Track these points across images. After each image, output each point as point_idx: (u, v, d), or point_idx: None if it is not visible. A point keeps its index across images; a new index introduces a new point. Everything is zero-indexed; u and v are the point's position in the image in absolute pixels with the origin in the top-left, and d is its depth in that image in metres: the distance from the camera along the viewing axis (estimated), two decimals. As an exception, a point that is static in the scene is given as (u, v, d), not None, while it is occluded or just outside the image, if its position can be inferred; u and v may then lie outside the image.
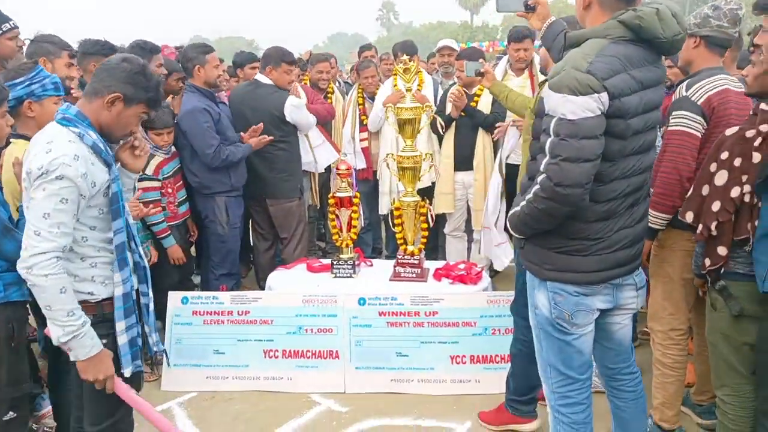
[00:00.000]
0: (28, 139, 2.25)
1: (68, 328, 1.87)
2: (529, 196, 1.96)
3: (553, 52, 2.43)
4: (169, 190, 3.76)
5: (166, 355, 2.30)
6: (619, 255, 2.02)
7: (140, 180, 3.56)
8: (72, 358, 1.94)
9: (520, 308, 2.81)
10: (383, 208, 4.87)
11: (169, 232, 3.70)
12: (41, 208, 1.83)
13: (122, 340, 2.04)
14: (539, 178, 1.91)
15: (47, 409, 3.02)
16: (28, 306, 2.46)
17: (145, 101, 2.03)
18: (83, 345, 1.90)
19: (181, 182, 3.87)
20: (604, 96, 1.80)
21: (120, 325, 2.03)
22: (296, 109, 4.20)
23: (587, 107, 1.79)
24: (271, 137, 4.08)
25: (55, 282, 1.83)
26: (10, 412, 2.26)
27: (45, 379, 3.01)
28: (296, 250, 4.33)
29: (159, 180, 3.67)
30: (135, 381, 2.12)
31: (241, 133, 4.04)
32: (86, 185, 1.90)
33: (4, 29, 3.43)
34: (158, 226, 3.63)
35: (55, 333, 1.88)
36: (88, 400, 2.07)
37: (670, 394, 2.72)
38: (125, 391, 2.02)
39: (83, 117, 1.96)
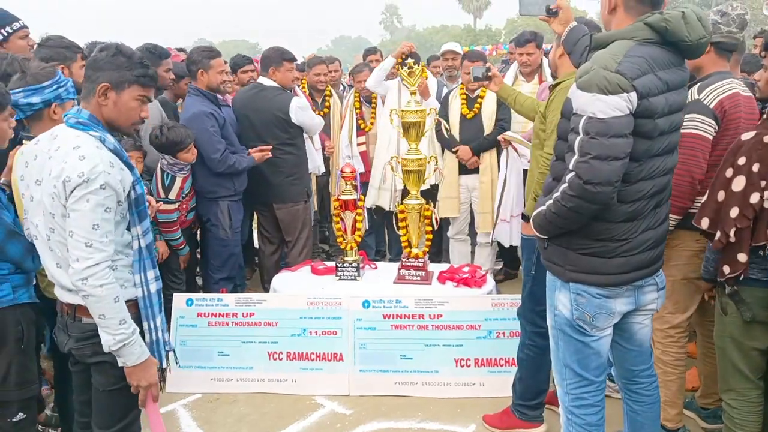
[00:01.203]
0: None
1: (119, 336, 1.89)
2: (557, 194, 1.96)
3: (573, 56, 2.43)
4: (184, 206, 3.78)
5: (174, 354, 2.30)
6: (643, 257, 2.03)
7: (161, 201, 3.59)
8: (120, 364, 1.96)
9: (527, 313, 2.81)
10: (369, 200, 4.81)
11: (185, 244, 3.80)
12: (89, 219, 1.84)
13: (160, 334, 2.08)
14: (568, 177, 1.92)
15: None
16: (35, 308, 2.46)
17: (135, 81, 1.97)
18: (132, 352, 1.93)
19: (193, 190, 3.88)
20: (633, 96, 1.82)
21: (158, 321, 2.06)
22: (302, 110, 4.19)
23: (617, 106, 1.81)
24: (269, 154, 4.07)
25: (110, 291, 1.86)
26: (20, 413, 2.27)
27: (51, 381, 3.02)
28: (301, 254, 4.32)
29: (178, 202, 3.70)
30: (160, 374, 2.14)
31: (249, 150, 4.04)
32: (121, 191, 1.92)
33: (15, 28, 3.47)
34: (176, 242, 3.75)
35: (106, 341, 1.90)
36: (99, 404, 2.08)
37: (672, 392, 2.72)
38: (153, 405, 2.04)
39: (97, 120, 1.96)
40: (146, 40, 4.05)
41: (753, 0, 33.75)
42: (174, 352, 2.23)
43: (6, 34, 3.48)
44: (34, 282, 2.45)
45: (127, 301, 1.96)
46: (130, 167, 2.00)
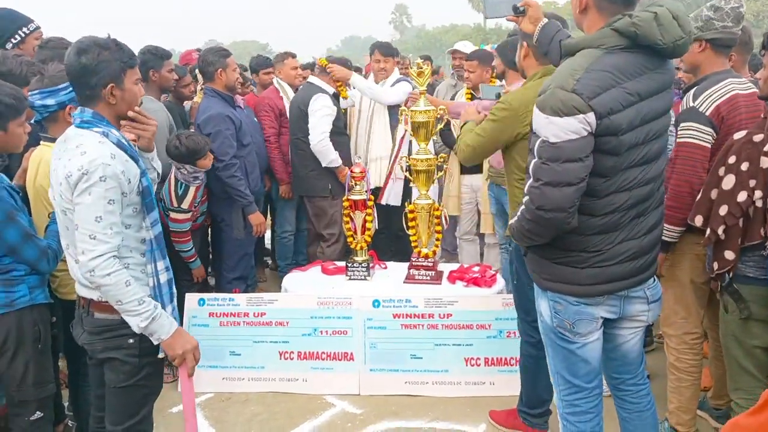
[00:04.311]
0: None
1: (144, 314, 1.95)
2: (519, 213, 1.94)
3: (551, 55, 2.33)
4: (195, 214, 3.79)
5: None
6: (620, 268, 1.94)
7: (173, 211, 3.61)
8: (156, 342, 2.01)
9: (519, 323, 2.84)
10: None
11: (197, 256, 3.81)
12: (92, 212, 1.88)
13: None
14: (524, 199, 1.89)
15: None
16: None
17: (126, 67, 1.99)
18: (163, 324, 1.99)
19: (206, 196, 3.87)
20: (591, 116, 1.73)
21: (168, 310, 2.09)
22: (315, 110, 4.33)
23: (571, 129, 1.74)
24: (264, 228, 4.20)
25: (118, 278, 1.91)
26: (37, 412, 2.31)
27: (65, 380, 3.06)
28: (333, 249, 4.41)
29: (190, 212, 3.69)
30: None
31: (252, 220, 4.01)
32: (125, 182, 1.95)
33: (31, 29, 3.53)
34: (187, 253, 3.75)
35: (135, 322, 1.95)
36: (111, 400, 2.11)
37: (685, 398, 2.71)
38: (188, 378, 2.09)
39: (100, 117, 1.99)
40: (155, 42, 4.08)
41: (766, -3, 33.43)
42: None
43: (23, 35, 3.53)
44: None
45: None
46: (136, 159, 2.02)
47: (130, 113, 2.08)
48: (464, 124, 2.84)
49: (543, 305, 2.07)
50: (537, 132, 1.84)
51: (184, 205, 3.65)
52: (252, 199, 3.98)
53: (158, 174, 2.28)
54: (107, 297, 1.94)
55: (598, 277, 1.94)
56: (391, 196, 4.51)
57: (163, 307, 2.07)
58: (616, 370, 2.20)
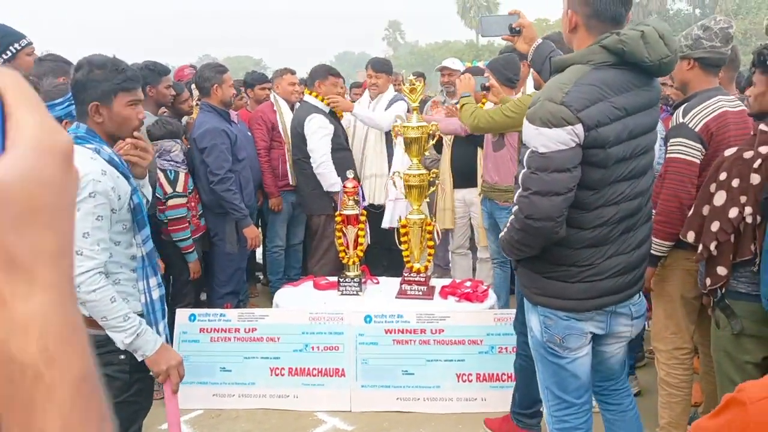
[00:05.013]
0: None
1: (129, 330, 1.94)
2: (508, 224, 1.97)
3: (543, 74, 2.39)
4: (192, 204, 3.82)
5: None
6: (610, 282, 1.97)
7: (170, 197, 3.63)
8: (140, 358, 1.99)
9: (519, 324, 2.83)
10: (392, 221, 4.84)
11: (194, 247, 3.78)
12: (79, 228, 1.86)
13: (163, 340, 2.10)
14: (513, 209, 1.93)
15: None
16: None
17: (119, 89, 1.95)
18: (147, 340, 1.98)
19: (198, 195, 3.94)
20: (579, 128, 1.77)
21: (161, 327, 2.10)
22: (311, 132, 4.36)
23: (559, 140, 1.78)
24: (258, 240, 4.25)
25: (104, 294, 1.90)
26: None
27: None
28: (318, 264, 4.43)
29: (186, 196, 3.73)
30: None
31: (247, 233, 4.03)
32: (115, 199, 1.95)
33: (22, 45, 3.52)
34: (184, 243, 3.72)
35: (119, 338, 1.94)
36: None
37: (676, 413, 2.70)
38: (172, 394, 2.08)
39: (94, 133, 1.99)
40: (150, 57, 4.11)
41: (754, 15, 34.08)
42: None
43: (14, 51, 3.53)
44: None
45: None
46: (127, 177, 2.02)
47: (129, 138, 2.07)
48: (462, 96, 3.28)
49: (533, 320, 2.09)
50: (527, 143, 1.88)
51: (179, 189, 3.68)
52: (247, 213, 4.00)
53: (148, 201, 2.26)
54: (92, 313, 1.92)
55: (588, 292, 1.96)
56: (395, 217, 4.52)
57: (156, 323, 2.07)
58: (600, 379, 2.25)
